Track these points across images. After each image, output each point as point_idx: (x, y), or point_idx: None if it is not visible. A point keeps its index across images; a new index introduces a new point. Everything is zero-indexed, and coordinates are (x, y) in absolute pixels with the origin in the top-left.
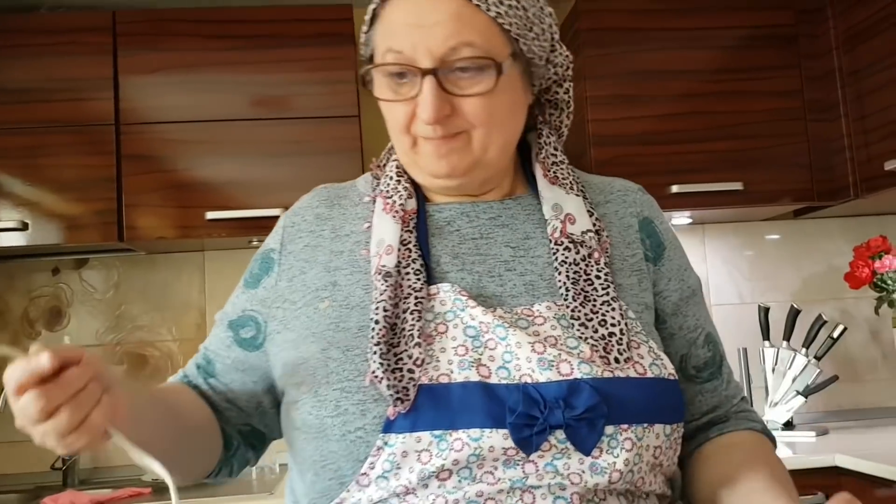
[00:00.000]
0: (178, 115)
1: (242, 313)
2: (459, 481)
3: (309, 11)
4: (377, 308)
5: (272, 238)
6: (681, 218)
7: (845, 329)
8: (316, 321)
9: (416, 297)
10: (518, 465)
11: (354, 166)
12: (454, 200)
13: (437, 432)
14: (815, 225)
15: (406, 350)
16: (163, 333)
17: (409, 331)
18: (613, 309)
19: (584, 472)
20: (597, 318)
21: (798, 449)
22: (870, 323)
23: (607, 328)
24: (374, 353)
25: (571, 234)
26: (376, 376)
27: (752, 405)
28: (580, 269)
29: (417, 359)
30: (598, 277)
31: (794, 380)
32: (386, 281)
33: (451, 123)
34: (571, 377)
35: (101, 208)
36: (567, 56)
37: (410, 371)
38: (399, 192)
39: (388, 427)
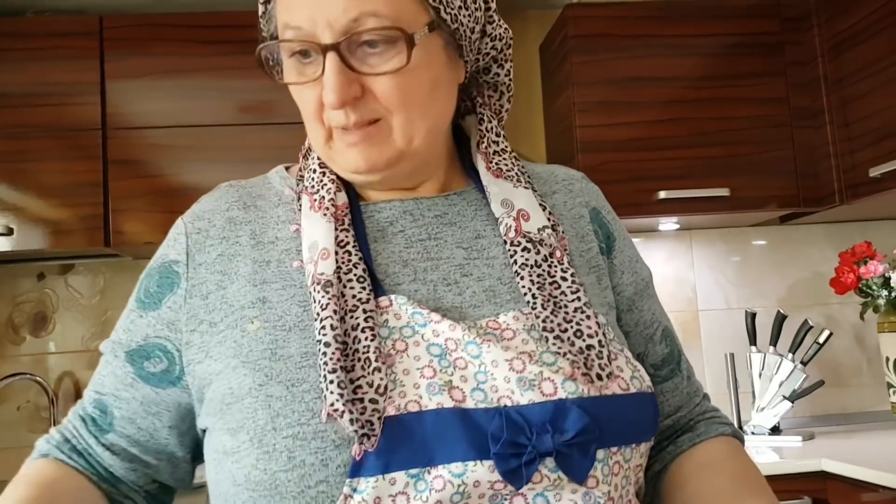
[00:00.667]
0: (165, 119)
1: (144, 341)
2: None
3: None
4: (323, 327)
5: (171, 248)
6: (668, 224)
7: (831, 334)
8: (245, 346)
9: (366, 311)
10: (506, 500)
11: None
12: (394, 197)
13: (413, 471)
14: (800, 231)
15: (364, 376)
16: None
17: (365, 352)
18: (588, 317)
19: None
20: (571, 328)
21: (785, 454)
22: (855, 328)
23: (584, 340)
24: (331, 382)
25: (528, 232)
26: (336, 410)
27: (739, 410)
28: (543, 271)
29: (379, 386)
30: (564, 280)
31: (780, 385)
32: (327, 292)
33: (364, 107)
34: (556, 397)
35: (88, 213)
36: (506, 29)
37: (373, 401)
38: (326, 185)
39: (356, 470)
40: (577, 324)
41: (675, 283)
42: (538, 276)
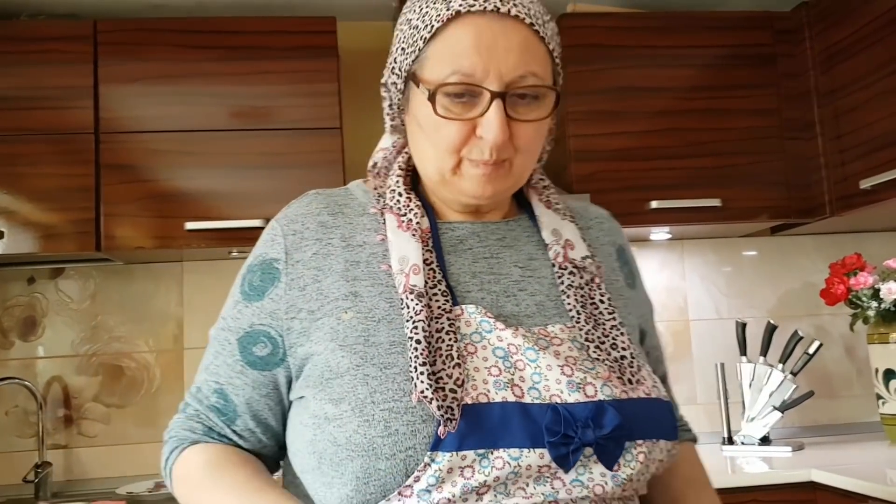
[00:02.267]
0: (158, 124)
1: (251, 328)
2: (495, 496)
3: (292, 23)
4: (415, 327)
5: (270, 247)
6: (660, 233)
7: (821, 345)
8: (341, 332)
9: (449, 319)
10: (547, 481)
11: (336, 178)
12: (465, 219)
13: (480, 451)
14: (791, 242)
15: (444, 370)
16: (140, 345)
17: (448, 351)
18: (622, 333)
19: (606, 483)
20: (608, 341)
21: (774, 464)
22: (845, 339)
23: (619, 351)
24: (421, 373)
25: (573, 259)
26: (425, 396)
27: (729, 420)
28: (585, 293)
29: (458, 379)
30: (601, 302)
31: (770, 395)
32: (420, 300)
33: (504, 149)
34: (596, 399)
35: (79, 217)
36: None
37: (452, 391)
38: (412, 209)
39: (436, 445)
40: (613, 338)
41: (666, 293)
42: (581, 296)
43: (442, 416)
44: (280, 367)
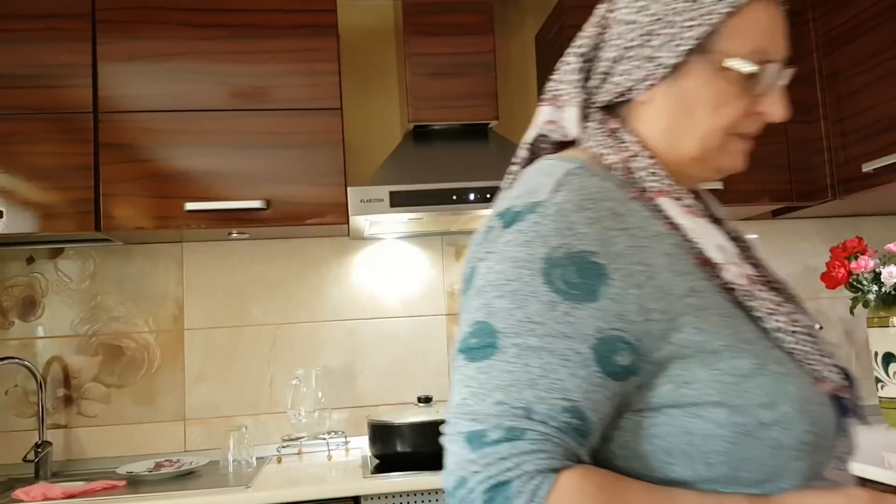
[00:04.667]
0: (157, 104)
1: (602, 334)
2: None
3: (292, 1)
4: (795, 321)
5: (572, 238)
6: None
7: (821, 328)
8: (711, 332)
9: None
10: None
11: (336, 159)
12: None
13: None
14: (792, 225)
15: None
16: (139, 325)
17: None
18: None
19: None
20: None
21: None
22: (844, 322)
23: None
24: (832, 365)
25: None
26: (845, 387)
27: None
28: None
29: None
30: None
31: None
32: (774, 290)
33: None
34: None
35: (78, 197)
36: None
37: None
38: (682, 190)
39: (839, 431)
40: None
41: None
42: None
43: (851, 403)
44: (635, 377)
